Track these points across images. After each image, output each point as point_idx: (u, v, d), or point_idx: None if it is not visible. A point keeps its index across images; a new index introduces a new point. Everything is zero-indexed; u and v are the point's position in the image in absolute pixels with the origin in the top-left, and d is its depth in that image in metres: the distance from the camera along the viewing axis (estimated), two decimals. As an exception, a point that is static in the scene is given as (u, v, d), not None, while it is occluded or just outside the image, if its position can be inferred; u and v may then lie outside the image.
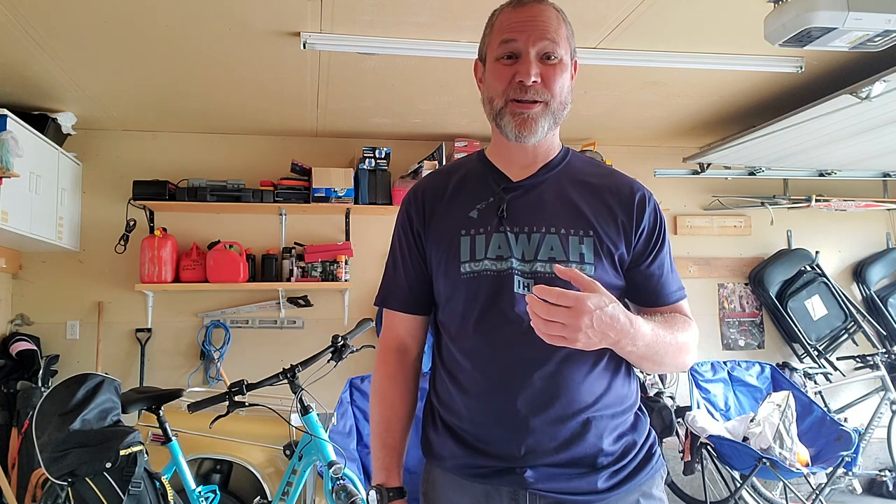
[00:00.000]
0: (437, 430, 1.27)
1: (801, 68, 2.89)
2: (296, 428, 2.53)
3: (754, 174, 4.10)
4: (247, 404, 2.36)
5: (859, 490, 4.06)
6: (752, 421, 3.39)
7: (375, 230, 4.02)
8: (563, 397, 1.15)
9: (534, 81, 1.16)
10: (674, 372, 1.21)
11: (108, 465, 2.26)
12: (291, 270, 3.79)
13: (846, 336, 4.36)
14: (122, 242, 3.70)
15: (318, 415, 2.47)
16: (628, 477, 1.18)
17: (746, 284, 4.45)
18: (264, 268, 3.78)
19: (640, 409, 1.27)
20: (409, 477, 1.31)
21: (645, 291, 1.25)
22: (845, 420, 3.85)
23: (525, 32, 1.17)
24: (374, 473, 1.29)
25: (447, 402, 1.25)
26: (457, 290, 1.22)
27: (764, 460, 3.07)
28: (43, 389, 3.26)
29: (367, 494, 1.28)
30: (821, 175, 4.17)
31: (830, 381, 4.21)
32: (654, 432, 1.27)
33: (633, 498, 1.17)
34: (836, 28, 1.95)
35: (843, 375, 4.27)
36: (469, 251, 1.21)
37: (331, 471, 2.33)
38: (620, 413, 1.20)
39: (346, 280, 3.80)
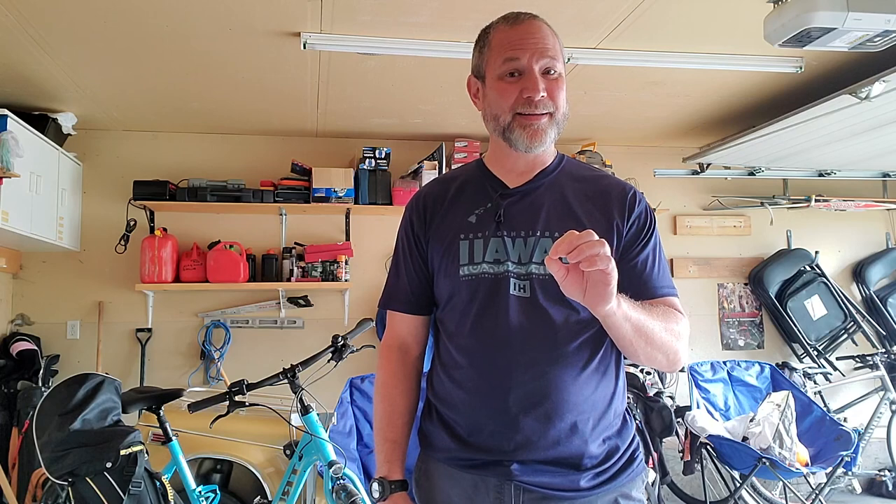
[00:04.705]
0: (432, 422, 1.32)
1: (801, 68, 2.89)
2: (296, 428, 2.53)
3: (754, 174, 4.10)
4: (247, 404, 2.36)
5: (859, 490, 4.06)
6: (751, 421, 3.40)
7: (375, 230, 4.02)
8: (553, 397, 1.20)
9: (542, 96, 1.21)
10: (667, 361, 1.22)
11: (109, 464, 2.26)
12: (291, 270, 3.79)
13: (846, 336, 4.36)
14: (123, 242, 3.70)
15: (318, 415, 2.47)
16: (610, 479, 1.23)
17: (746, 284, 4.45)
18: (264, 268, 3.78)
19: (626, 412, 1.31)
20: (409, 476, 1.35)
21: (631, 282, 1.25)
22: (845, 420, 3.85)
23: (527, 50, 1.22)
24: (378, 466, 1.34)
25: (443, 397, 1.30)
26: (456, 292, 1.27)
27: (763, 460, 3.07)
28: (43, 389, 3.26)
29: (370, 486, 1.32)
30: (820, 175, 4.17)
31: (830, 381, 4.22)
32: (637, 438, 1.32)
33: (612, 497, 1.22)
34: (835, 28, 1.95)
35: (843, 375, 4.27)
36: (468, 254, 1.26)
37: (331, 470, 2.33)
38: (607, 416, 1.25)
39: (346, 280, 3.80)
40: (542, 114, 1.22)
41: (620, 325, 1.12)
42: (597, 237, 0.99)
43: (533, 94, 1.20)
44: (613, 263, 1.00)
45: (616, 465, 1.24)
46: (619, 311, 1.08)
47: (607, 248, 0.98)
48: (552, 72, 1.23)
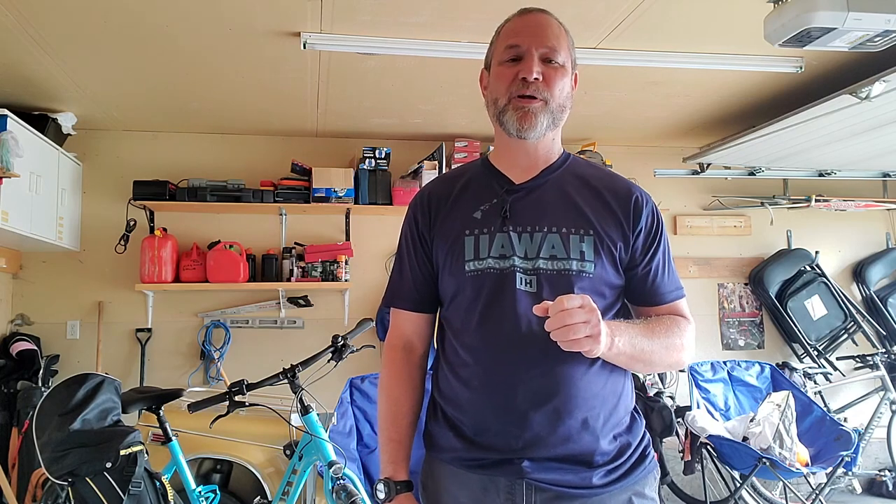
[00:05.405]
0: (438, 422, 1.31)
1: (801, 68, 2.89)
2: (296, 428, 2.53)
3: (754, 174, 4.10)
4: (247, 404, 2.36)
5: (859, 490, 4.06)
6: (751, 421, 3.40)
7: (375, 230, 4.02)
8: (562, 393, 1.18)
9: (535, 78, 1.21)
10: (668, 370, 1.25)
11: (109, 464, 2.26)
12: (291, 270, 3.79)
13: (846, 336, 4.36)
14: (123, 242, 3.70)
15: (318, 415, 2.47)
16: (622, 476, 1.22)
17: (746, 284, 4.45)
18: (264, 268, 3.78)
19: (635, 410, 1.31)
20: (412, 477, 1.33)
21: (642, 292, 1.29)
22: (845, 420, 3.86)
23: (529, 37, 1.24)
24: (382, 467, 1.33)
25: (449, 396, 1.28)
26: (461, 288, 1.26)
27: (764, 460, 3.07)
28: (43, 389, 3.26)
29: (375, 487, 1.30)
30: (821, 175, 4.17)
31: (830, 381, 4.22)
32: (648, 434, 1.31)
33: (625, 496, 1.21)
34: (835, 28, 1.95)
35: (843, 375, 4.27)
36: (473, 250, 1.25)
37: (331, 471, 2.33)
38: (617, 413, 1.24)
39: (346, 280, 3.80)
40: (536, 98, 1.22)
41: (614, 359, 1.18)
42: (580, 302, 1.04)
43: (527, 76, 1.21)
44: (591, 329, 1.05)
45: (628, 462, 1.23)
46: (612, 352, 1.12)
47: (587, 316, 1.04)
48: (553, 61, 1.23)
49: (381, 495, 1.29)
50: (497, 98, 1.26)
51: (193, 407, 2.36)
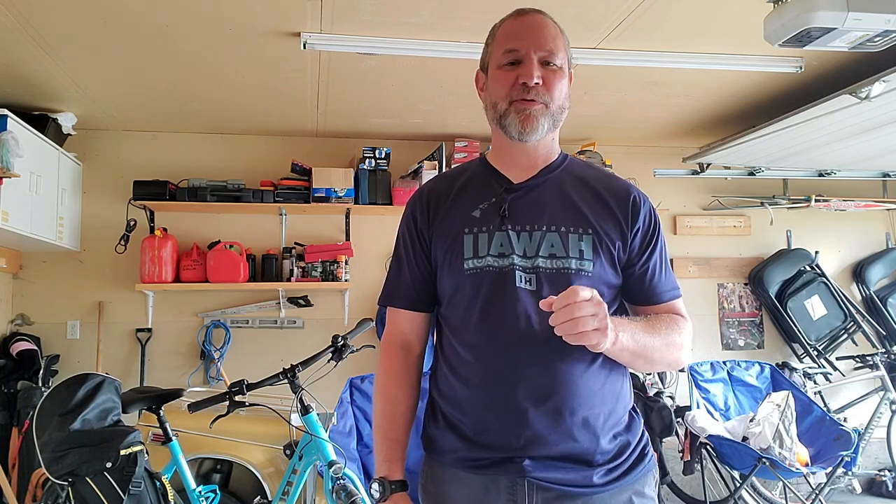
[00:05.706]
0: (437, 424, 1.30)
1: (801, 68, 2.89)
2: (296, 428, 2.53)
3: (754, 174, 4.10)
4: (247, 404, 2.36)
5: (859, 490, 4.06)
6: (751, 421, 3.40)
7: (375, 230, 4.02)
8: (562, 391, 1.18)
9: (536, 83, 1.21)
10: (668, 369, 1.25)
11: (109, 464, 2.26)
12: (291, 270, 3.79)
13: (846, 336, 4.36)
14: (123, 242, 3.70)
15: (318, 414, 2.47)
16: (622, 475, 1.22)
17: (746, 284, 4.45)
18: (264, 268, 3.78)
19: (633, 409, 1.31)
20: (409, 476, 1.33)
21: (639, 291, 1.30)
22: (845, 420, 3.85)
23: (527, 40, 1.23)
24: (377, 466, 1.32)
25: (448, 396, 1.28)
26: (460, 286, 1.26)
27: (763, 460, 3.07)
28: (43, 389, 3.26)
29: (370, 486, 1.30)
30: (820, 175, 4.17)
31: (830, 381, 4.22)
32: (646, 433, 1.31)
33: (626, 496, 1.21)
34: (835, 28, 1.95)
35: (843, 375, 4.27)
36: (472, 248, 1.25)
37: (331, 470, 2.33)
38: (616, 412, 1.25)
39: (346, 280, 3.80)
40: (536, 101, 1.23)
41: (618, 355, 1.18)
42: (590, 295, 1.03)
43: (528, 80, 1.21)
44: (599, 322, 1.04)
45: (628, 461, 1.23)
46: (616, 347, 1.12)
47: (595, 309, 1.03)
48: (551, 63, 1.24)
49: (377, 495, 1.28)
50: (497, 102, 1.26)
51: (193, 407, 2.35)
